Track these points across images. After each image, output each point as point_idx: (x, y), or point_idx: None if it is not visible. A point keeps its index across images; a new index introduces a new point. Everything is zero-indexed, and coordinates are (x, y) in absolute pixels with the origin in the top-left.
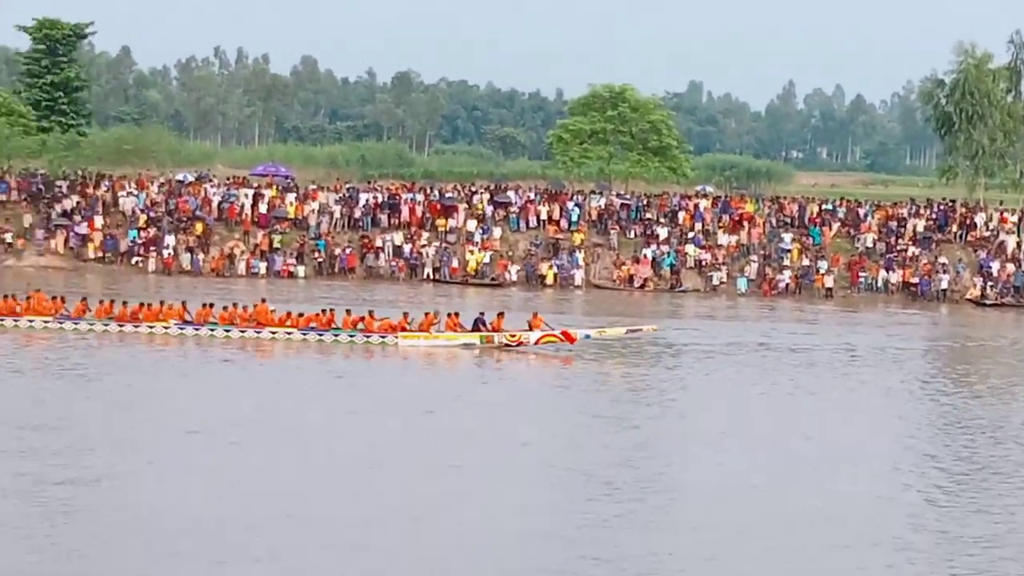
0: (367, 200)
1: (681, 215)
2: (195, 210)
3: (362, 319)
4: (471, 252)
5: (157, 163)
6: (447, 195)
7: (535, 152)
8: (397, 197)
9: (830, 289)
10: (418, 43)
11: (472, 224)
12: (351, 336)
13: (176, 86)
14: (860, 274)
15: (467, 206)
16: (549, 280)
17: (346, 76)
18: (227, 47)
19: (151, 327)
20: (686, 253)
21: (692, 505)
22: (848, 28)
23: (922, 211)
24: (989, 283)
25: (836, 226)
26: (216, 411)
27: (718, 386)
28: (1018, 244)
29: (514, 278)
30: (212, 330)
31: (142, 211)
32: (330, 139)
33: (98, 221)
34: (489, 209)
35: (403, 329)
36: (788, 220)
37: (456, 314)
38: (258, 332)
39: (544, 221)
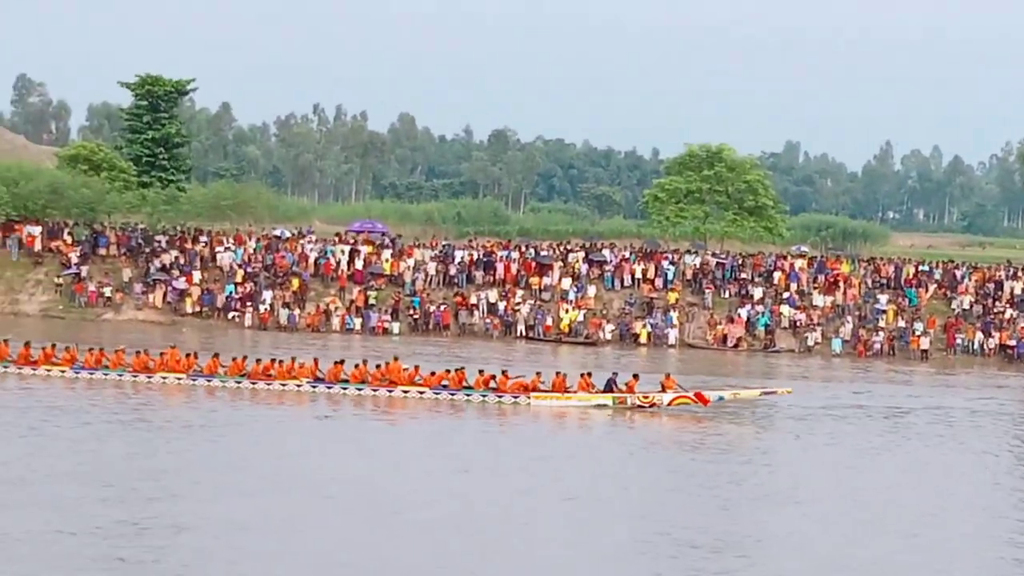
0: (462, 257)
1: (776, 275)
2: (292, 266)
3: (493, 377)
4: (565, 310)
5: (255, 219)
6: (542, 253)
7: (630, 211)
8: (492, 255)
9: (925, 351)
10: (515, 101)
11: (567, 282)
12: (483, 396)
13: (275, 142)
14: (956, 336)
15: (562, 264)
16: (643, 339)
17: (443, 133)
18: (326, 104)
19: (283, 384)
20: (781, 313)
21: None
22: (946, 89)
23: (1020, 273)
24: None
25: (932, 288)
26: (348, 471)
27: (820, 451)
28: None
29: (608, 337)
30: (344, 388)
31: (239, 266)
32: (426, 196)
33: (196, 276)
34: (584, 267)
35: (535, 389)
36: (884, 281)
37: (589, 374)
38: (390, 391)
39: (639, 280)
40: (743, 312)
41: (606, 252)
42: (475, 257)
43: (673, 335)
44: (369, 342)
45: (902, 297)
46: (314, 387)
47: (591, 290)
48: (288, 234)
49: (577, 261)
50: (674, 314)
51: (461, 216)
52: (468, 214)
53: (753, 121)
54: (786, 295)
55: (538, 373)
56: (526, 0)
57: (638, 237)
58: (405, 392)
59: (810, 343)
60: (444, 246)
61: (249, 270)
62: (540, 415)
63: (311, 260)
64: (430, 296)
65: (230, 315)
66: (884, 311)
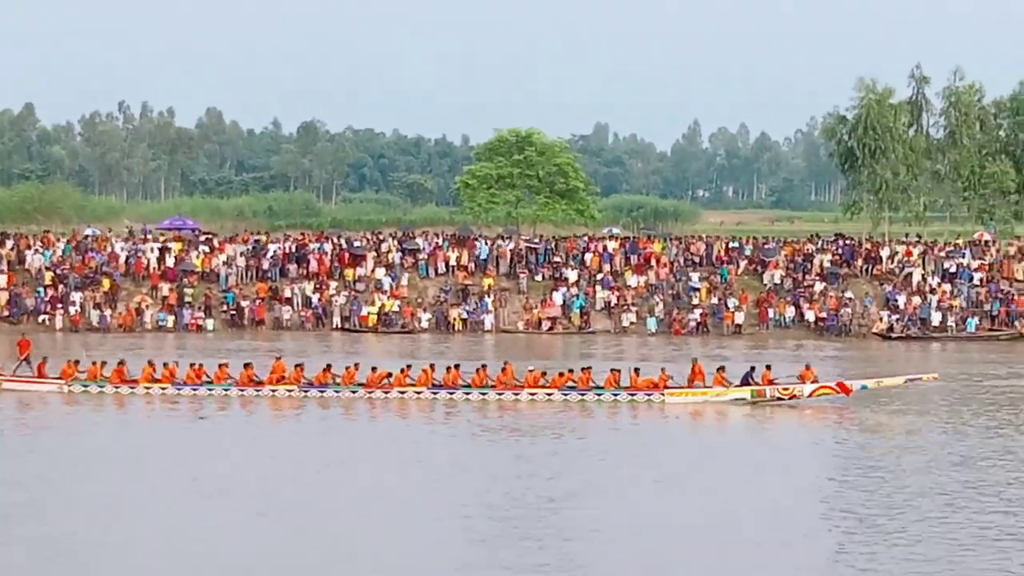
0: (274, 251)
1: (589, 257)
2: (102, 266)
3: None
4: (379, 300)
5: (63, 220)
6: (355, 244)
7: (443, 198)
8: (305, 247)
9: (739, 326)
10: (323, 92)
11: (381, 272)
12: (615, 395)
13: (80, 142)
14: (768, 310)
15: (375, 254)
16: (458, 326)
17: (251, 127)
18: (131, 101)
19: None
20: (595, 295)
21: None
22: (751, 66)
23: (828, 246)
24: (895, 316)
25: (743, 263)
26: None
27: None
28: (923, 277)
29: (424, 325)
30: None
31: (48, 268)
32: (237, 191)
33: (3, 280)
34: (397, 256)
35: (667, 385)
36: (696, 259)
37: (722, 368)
38: (516, 394)
39: (453, 267)
40: (557, 295)
41: (419, 240)
42: (287, 250)
43: (489, 320)
44: (183, 339)
45: (714, 274)
46: (436, 393)
47: (405, 279)
48: (97, 233)
49: (391, 250)
50: (489, 300)
51: (272, 210)
52: (279, 207)
53: (562, 105)
54: (600, 276)
55: (663, 369)
56: None
57: (451, 224)
58: (532, 395)
59: (625, 323)
60: (256, 241)
61: (58, 272)
62: (675, 413)
63: (121, 260)
64: (243, 291)
65: (40, 318)
66: (697, 289)
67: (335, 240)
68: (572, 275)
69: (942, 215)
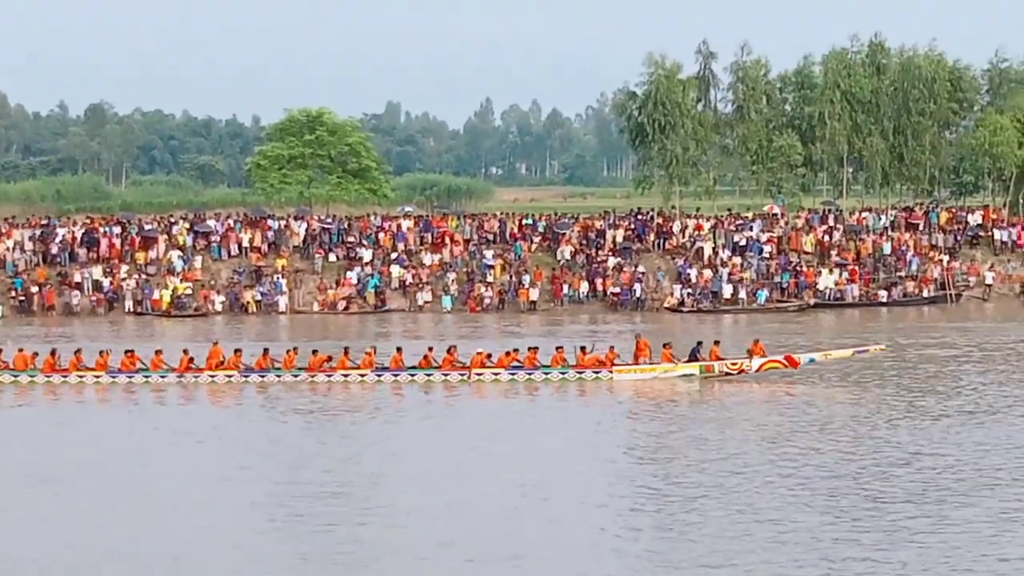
0: (63, 235)
1: (383, 236)
2: None
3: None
4: (172, 283)
5: None
6: (146, 227)
7: (235, 180)
8: (94, 231)
9: (534, 302)
10: (110, 75)
11: (173, 255)
12: (562, 374)
13: None
14: (562, 286)
15: (167, 237)
16: (252, 308)
17: (37, 110)
18: None
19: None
20: (390, 274)
21: None
22: (542, 43)
23: (620, 222)
24: (687, 290)
25: (537, 240)
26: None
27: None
28: (714, 250)
29: (218, 307)
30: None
31: None
32: (23, 175)
33: None
34: (189, 239)
35: (614, 363)
36: (490, 236)
37: (669, 344)
38: (479, 375)
39: (246, 248)
40: (352, 275)
41: (211, 222)
42: (76, 235)
43: (283, 302)
44: None
45: (508, 251)
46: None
47: (198, 261)
48: None
49: (182, 233)
50: (283, 281)
51: (61, 193)
52: (68, 191)
53: (353, 83)
54: (394, 255)
55: (611, 347)
56: None
57: (243, 205)
58: (479, 375)
59: (420, 302)
60: (44, 225)
61: None
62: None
63: None
64: (32, 277)
65: None
66: (491, 266)
67: (125, 223)
68: (366, 255)
69: (732, 189)
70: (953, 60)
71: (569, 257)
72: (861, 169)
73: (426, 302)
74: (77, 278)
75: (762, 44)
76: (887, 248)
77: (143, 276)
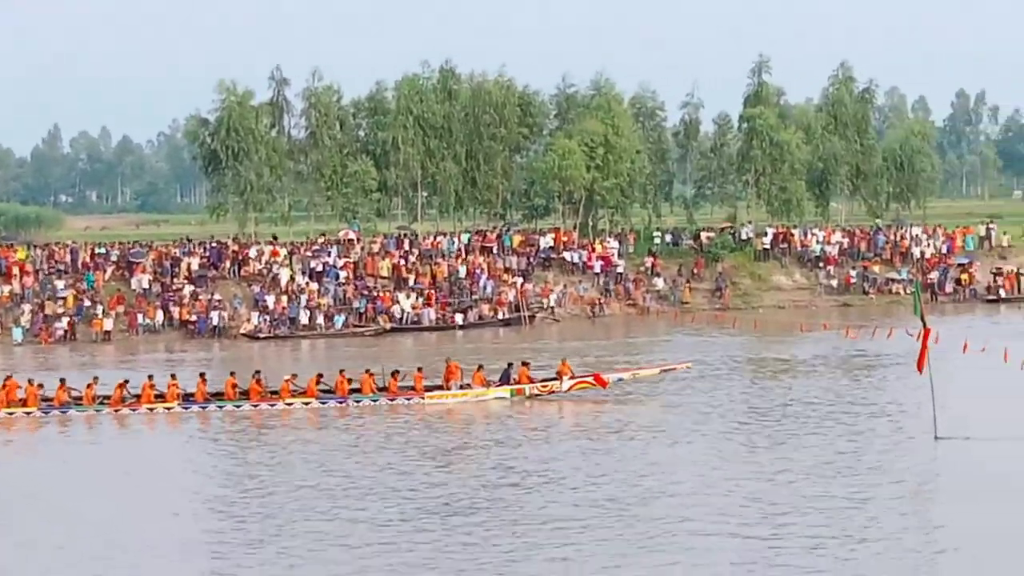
0: None
1: None
2: None
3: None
4: None
5: None
6: None
7: None
8: None
9: (108, 332)
10: None
11: None
12: (374, 400)
13: None
14: (137, 316)
15: None
16: None
17: None
18: None
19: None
20: None
21: None
22: (111, 73)
23: (196, 249)
24: (265, 317)
25: (111, 269)
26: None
27: None
28: (291, 277)
29: None
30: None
31: None
32: None
33: None
34: None
35: (425, 387)
36: (61, 266)
37: (481, 367)
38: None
39: None
40: None
41: None
42: None
43: None
44: None
45: (80, 280)
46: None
47: None
48: None
49: None
50: None
51: None
52: None
53: None
54: None
55: (419, 368)
56: None
57: None
58: (289, 404)
59: None
60: None
61: None
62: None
63: None
64: None
65: None
66: (64, 296)
67: None
68: None
69: (307, 215)
70: (523, 86)
71: (145, 286)
72: (435, 193)
73: None
74: None
75: (335, 70)
76: (463, 271)
77: None
